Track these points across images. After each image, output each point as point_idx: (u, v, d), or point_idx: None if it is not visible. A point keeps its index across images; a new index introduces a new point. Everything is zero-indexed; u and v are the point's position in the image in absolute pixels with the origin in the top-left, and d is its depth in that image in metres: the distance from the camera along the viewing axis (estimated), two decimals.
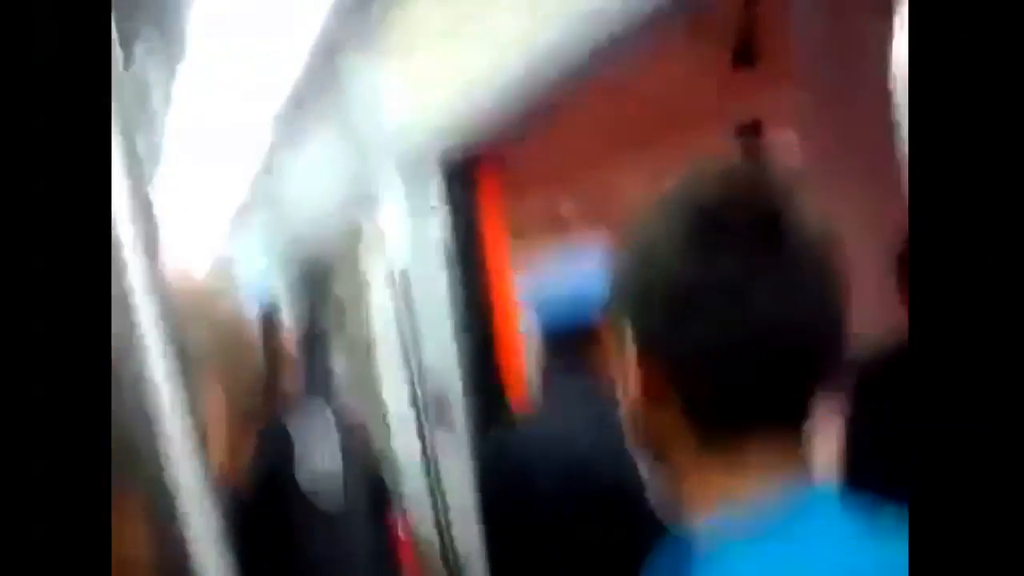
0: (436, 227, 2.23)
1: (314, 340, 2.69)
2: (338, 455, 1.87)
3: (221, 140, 3.52)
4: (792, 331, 0.62)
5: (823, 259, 0.64)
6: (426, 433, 2.37)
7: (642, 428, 0.69)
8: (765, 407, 0.64)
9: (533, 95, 1.79)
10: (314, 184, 3.41)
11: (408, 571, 2.55)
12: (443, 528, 2.38)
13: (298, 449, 1.80)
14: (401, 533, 2.79)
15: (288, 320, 3.31)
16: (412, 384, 2.37)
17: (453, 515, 2.36)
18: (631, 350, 0.66)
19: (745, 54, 2.45)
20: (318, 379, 2.65)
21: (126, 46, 2.32)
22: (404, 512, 2.77)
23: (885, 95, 0.73)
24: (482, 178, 2.27)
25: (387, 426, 3.02)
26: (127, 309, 0.50)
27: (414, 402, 2.38)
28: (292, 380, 2.39)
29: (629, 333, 0.67)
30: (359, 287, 2.92)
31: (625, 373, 0.67)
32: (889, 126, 0.73)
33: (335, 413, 2.32)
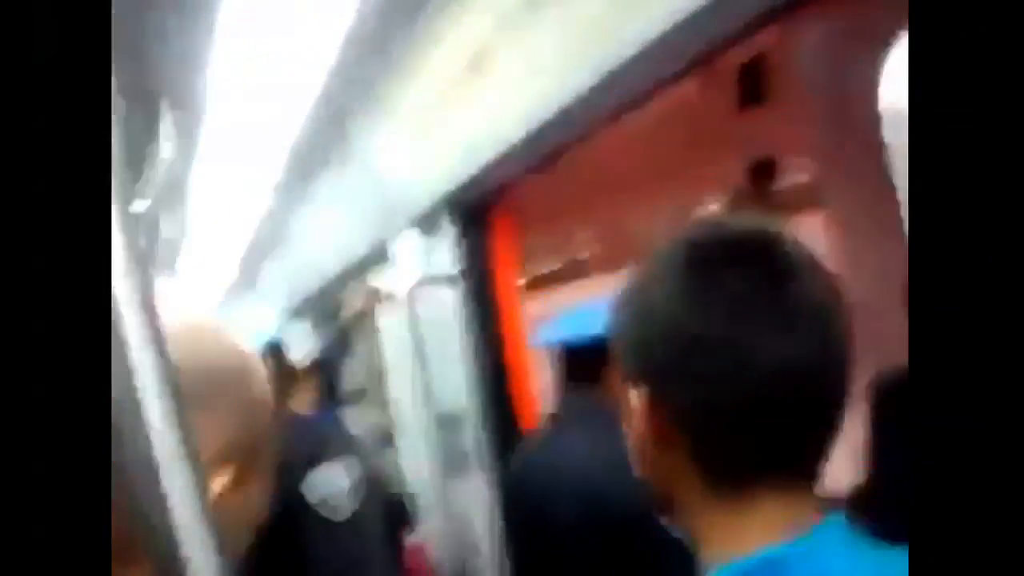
0: (448, 265, 2.26)
1: (324, 365, 2.71)
2: (349, 475, 1.87)
3: (231, 191, 3.57)
4: (797, 379, 0.61)
5: (827, 306, 0.63)
6: (440, 457, 2.36)
7: (649, 467, 0.68)
8: (773, 455, 0.64)
9: (542, 142, 1.81)
10: (324, 223, 3.45)
11: None
12: (457, 550, 2.36)
13: (310, 469, 1.80)
14: (415, 558, 2.78)
15: (297, 347, 3.34)
16: (424, 404, 2.37)
17: (469, 540, 2.34)
18: (639, 392, 0.66)
19: (753, 93, 2.47)
20: (330, 401, 2.66)
21: (141, 104, 2.37)
22: (417, 535, 2.77)
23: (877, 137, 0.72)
24: (495, 219, 2.30)
25: (399, 450, 3.02)
26: (124, 361, 0.50)
27: (427, 425, 2.37)
28: (303, 400, 2.41)
29: (637, 380, 0.66)
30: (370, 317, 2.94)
31: (632, 411, 0.67)
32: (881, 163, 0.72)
33: (348, 435, 2.33)
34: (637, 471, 0.70)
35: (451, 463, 2.31)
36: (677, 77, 1.57)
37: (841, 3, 1.79)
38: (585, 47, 1.52)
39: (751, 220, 0.68)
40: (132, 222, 0.51)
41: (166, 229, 3.94)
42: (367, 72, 2.29)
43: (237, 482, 0.68)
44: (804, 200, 2.81)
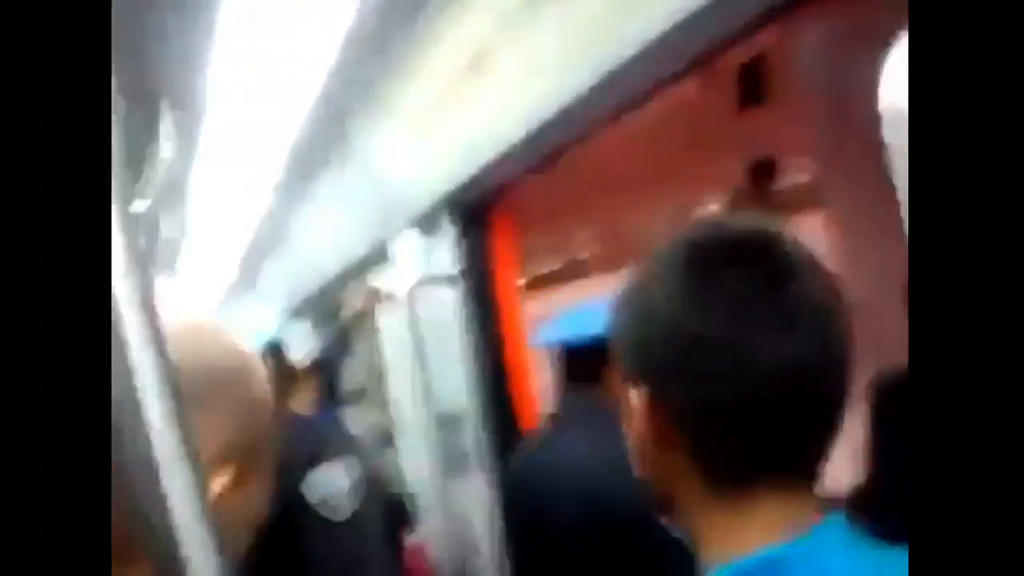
0: (448, 265, 2.26)
1: (324, 365, 2.72)
2: (349, 475, 1.87)
3: (231, 191, 3.58)
4: (797, 379, 0.61)
5: (827, 306, 0.63)
6: (440, 457, 2.36)
7: (649, 467, 0.68)
8: (773, 455, 0.63)
9: (542, 142, 1.81)
10: (324, 223, 3.45)
11: None
12: (457, 550, 2.36)
13: (310, 469, 1.80)
14: (415, 558, 2.78)
15: (297, 347, 3.35)
16: (423, 404, 2.37)
17: (469, 540, 2.34)
18: (639, 392, 0.66)
19: (753, 92, 2.47)
20: (330, 401, 2.67)
21: (141, 104, 2.37)
22: (417, 535, 2.77)
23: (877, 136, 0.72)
24: (495, 219, 2.30)
25: (399, 450, 3.02)
26: (123, 360, 0.50)
27: (427, 425, 2.37)
28: (303, 400, 2.41)
29: (637, 380, 0.66)
30: (370, 317, 2.95)
31: (632, 411, 0.67)
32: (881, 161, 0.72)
33: (347, 435, 2.33)
34: (637, 471, 0.70)
35: (451, 463, 2.31)
36: (677, 77, 1.56)
37: (841, 3, 1.79)
38: (585, 47, 1.52)
39: (751, 220, 0.68)
40: (132, 222, 0.51)
41: (166, 229, 3.94)
42: (367, 72, 2.29)
43: (237, 482, 0.68)
44: (804, 200, 2.81)
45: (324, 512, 1.76)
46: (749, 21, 1.32)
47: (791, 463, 0.64)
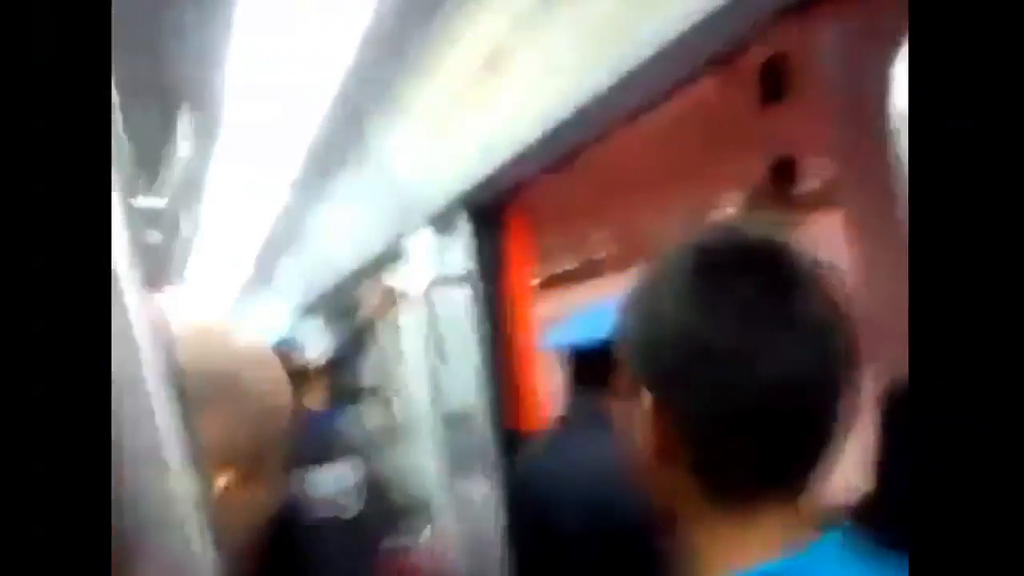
0: (462, 264, 2.26)
1: (338, 362, 2.73)
2: (354, 475, 1.87)
3: (249, 189, 3.59)
4: (802, 391, 0.61)
5: (832, 318, 0.62)
6: (449, 456, 2.36)
7: (651, 480, 0.68)
8: (774, 468, 0.63)
9: (558, 142, 1.80)
10: (340, 221, 3.46)
11: None
12: (464, 550, 2.36)
13: (316, 467, 1.80)
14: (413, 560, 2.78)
15: (311, 344, 3.36)
16: (434, 402, 2.37)
17: (476, 540, 2.34)
18: (645, 400, 0.65)
19: (774, 89, 2.44)
20: (343, 398, 2.68)
21: (159, 102, 2.38)
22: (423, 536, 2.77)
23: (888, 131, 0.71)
24: (510, 219, 2.29)
25: (409, 448, 3.02)
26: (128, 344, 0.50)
27: (437, 424, 2.37)
28: (316, 398, 2.42)
29: (642, 386, 0.66)
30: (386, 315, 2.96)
31: (636, 422, 0.66)
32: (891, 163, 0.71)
33: (355, 435, 2.34)
34: (632, 482, 0.69)
35: (460, 463, 2.31)
36: (694, 77, 1.55)
37: (861, 2, 1.77)
38: (601, 47, 1.51)
39: (760, 227, 0.67)
40: (137, 218, 0.51)
41: (184, 227, 3.96)
42: (383, 71, 2.29)
43: (244, 481, 0.68)
44: (823, 200, 2.78)
45: (328, 510, 1.76)
46: (766, 20, 1.31)
47: (792, 477, 0.63)
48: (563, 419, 1.81)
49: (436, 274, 2.35)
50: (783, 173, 2.89)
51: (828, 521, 0.65)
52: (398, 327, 3.06)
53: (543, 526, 1.68)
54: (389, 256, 2.83)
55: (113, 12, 0.48)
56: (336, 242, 3.64)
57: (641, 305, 0.67)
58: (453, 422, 2.32)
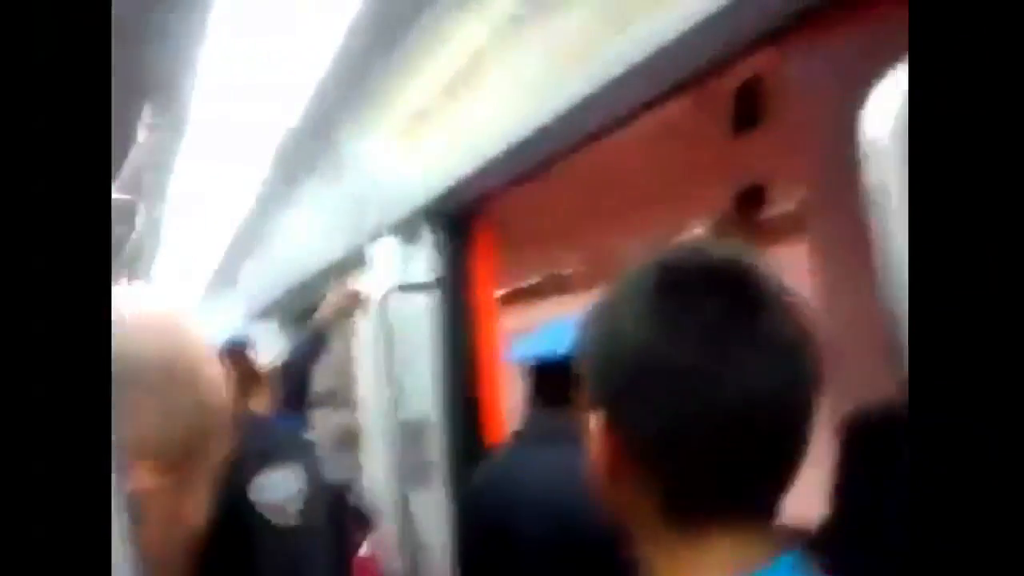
0: (425, 273, 2.24)
1: (291, 366, 2.69)
2: (300, 480, 1.84)
3: (214, 189, 3.57)
4: (761, 413, 0.59)
5: (796, 340, 0.61)
6: (402, 465, 2.33)
7: (605, 494, 0.66)
8: (730, 490, 0.62)
9: (529, 156, 1.79)
10: (305, 225, 3.43)
11: None
12: (413, 560, 2.33)
13: (260, 471, 1.76)
14: (365, 567, 2.74)
15: (265, 347, 3.32)
16: (389, 410, 2.35)
17: (423, 551, 2.31)
18: (598, 417, 0.64)
19: (748, 116, 2.45)
20: (296, 403, 2.65)
21: (123, 95, 2.34)
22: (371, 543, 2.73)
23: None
24: (477, 230, 2.28)
25: (363, 454, 2.99)
26: None
27: (391, 432, 2.34)
28: (262, 402, 2.38)
29: (597, 402, 0.64)
30: (347, 319, 2.93)
31: (591, 436, 0.65)
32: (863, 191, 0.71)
33: (303, 439, 2.30)
34: (594, 498, 0.67)
35: (413, 472, 2.28)
36: (666, 98, 1.55)
37: (840, 27, 1.78)
38: (571, 64, 1.51)
39: (725, 247, 0.66)
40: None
41: (143, 222, 3.92)
42: (354, 79, 2.28)
43: (172, 486, 0.65)
44: (789, 228, 2.80)
45: (271, 516, 1.73)
46: (742, 44, 1.31)
47: (749, 499, 0.62)
48: (518, 433, 1.80)
49: (396, 281, 2.33)
50: (750, 200, 2.91)
51: (782, 545, 0.63)
52: (354, 333, 3.03)
53: (492, 540, 1.66)
54: (352, 262, 2.80)
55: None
56: (300, 246, 3.60)
57: (601, 321, 0.66)
58: (408, 431, 2.29)
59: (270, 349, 3.46)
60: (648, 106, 1.55)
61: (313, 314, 2.83)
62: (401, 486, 2.29)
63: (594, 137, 1.72)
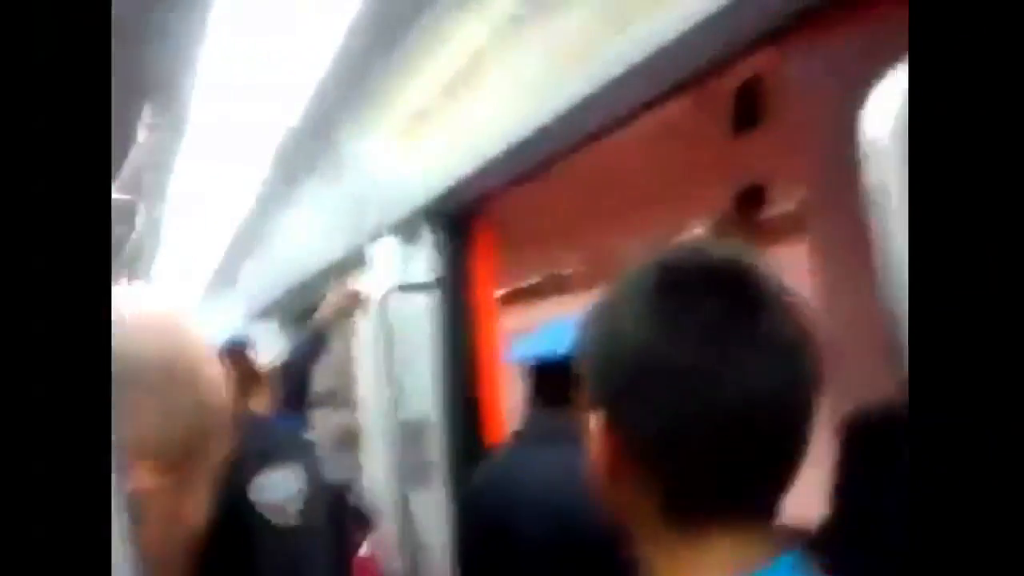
0: (426, 272, 2.24)
1: (291, 366, 2.69)
2: (300, 480, 1.84)
3: (215, 189, 3.56)
4: (761, 414, 0.59)
5: (796, 340, 0.61)
6: (402, 465, 2.33)
7: (605, 494, 0.66)
8: (730, 491, 0.61)
9: (529, 156, 1.79)
10: (305, 225, 3.43)
11: None
12: (413, 560, 2.32)
13: (260, 471, 1.76)
14: (366, 568, 2.74)
15: (266, 347, 3.31)
16: (389, 410, 2.34)
17: (423, 551, 2.31)
18: (598, 417, 0.64)
19: (748, 116, 2.45)
20: (296, 403, 2.64)
21: (123, 95, 2.34)
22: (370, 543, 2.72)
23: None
24: (477, 230, 2.28)
25: (364, 455, 2.98)
26: None
27: (392, 432, 2.34)
28: (262, 402, 2.37)
29: (596, 402, 0.64)
30: (348, 319, 2.93)
31: (591, 436, 0.65)
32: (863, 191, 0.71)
33: (303, 439, 2.30)
34: (594, 498, 0.67)
35: (413, 472, 2.28)
36: (666, 98, 1.55)
37: (841, 27, 1.78)
38: (572, 64, 1.51)
39: (725, 247, 0.66)
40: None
41: (143, 222, 3.91)
42: (354, 79, 2.27)
43: (172, 485, 0.65)
44: (789, 228, 2.79)
45: (271, 516, 1.72)
46: (743, 44, 1.31)
47: (749, 499, 0.62)
48: (518, 433, 1.79)
49: (396, 281, 2.32)
50: (750, 200, 2.90)
51: (782, 545, 0.63)
52: (354, 333, 3.02)
53: (492, 540, 1.66)
54: (352, 262, 2.80)
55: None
56: (300, 246, 3.60)
57: (601, 321, 0.66)
58: (408, 431, 2.29)
59: (270, 349, 3.46)
60: (648, 106, 1.55)
61: (313, 314, 2.83)
62: (401, 486, 2.29)
63: (594, 137, 1.72)
